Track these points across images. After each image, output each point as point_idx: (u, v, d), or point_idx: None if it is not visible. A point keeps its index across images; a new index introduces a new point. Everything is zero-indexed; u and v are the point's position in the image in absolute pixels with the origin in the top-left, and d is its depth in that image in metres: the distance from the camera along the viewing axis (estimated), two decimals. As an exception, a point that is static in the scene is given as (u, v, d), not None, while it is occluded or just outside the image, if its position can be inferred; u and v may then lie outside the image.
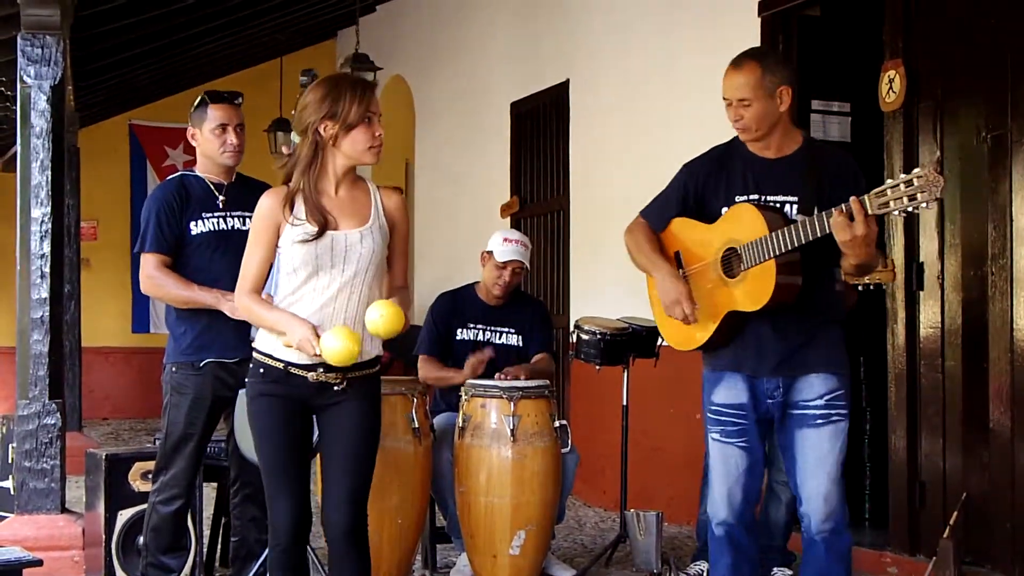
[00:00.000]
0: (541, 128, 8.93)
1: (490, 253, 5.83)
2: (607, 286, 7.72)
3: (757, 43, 6.41)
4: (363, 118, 3.74)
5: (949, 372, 5.47)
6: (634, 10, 7.65)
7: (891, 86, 5.63)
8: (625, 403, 5.96)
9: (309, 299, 3.77)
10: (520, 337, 5.87)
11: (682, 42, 7.18)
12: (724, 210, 4.02)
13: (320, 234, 3.73)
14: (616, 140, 7.85)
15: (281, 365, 3.79)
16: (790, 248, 3.78)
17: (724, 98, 4.03)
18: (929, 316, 5.54)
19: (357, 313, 3.78)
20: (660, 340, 5.82)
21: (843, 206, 3.69)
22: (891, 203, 3.60)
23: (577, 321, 6.00)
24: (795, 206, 3.95)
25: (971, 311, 5.38)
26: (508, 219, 9.16)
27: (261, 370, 3.83)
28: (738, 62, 4.04)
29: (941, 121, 5.50)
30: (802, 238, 3.76)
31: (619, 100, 7.82)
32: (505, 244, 5.83)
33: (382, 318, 3.68)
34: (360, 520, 3.85)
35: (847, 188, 3.90)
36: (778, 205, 3.95)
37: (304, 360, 3.76)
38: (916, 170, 3.57)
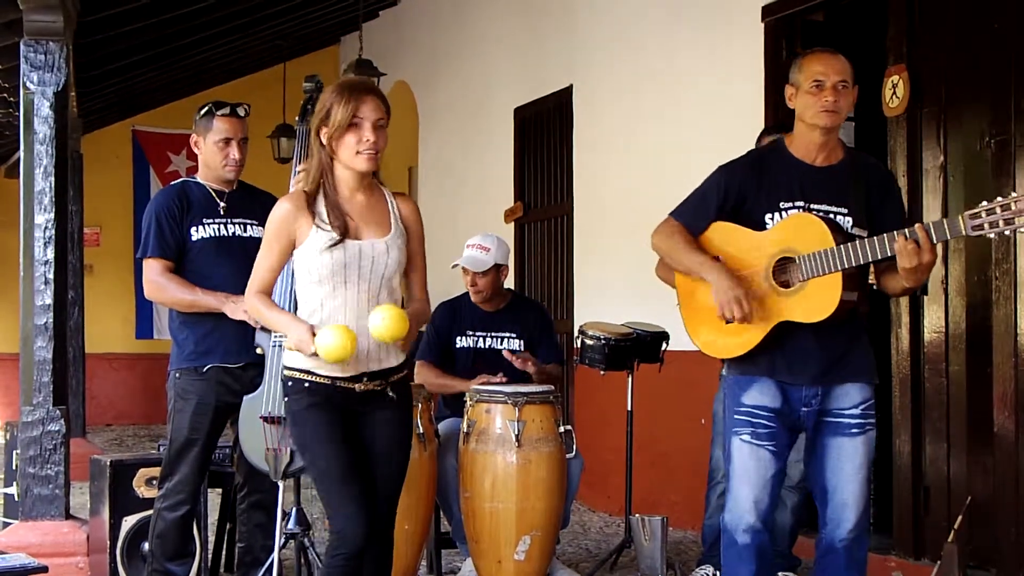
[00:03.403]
0: (545, 133, 8.93)
1: None
2: (611, 291, 7.72)
3: (761, 49, 6.43)
4: (349, 122, 3.72)
5: (953, 377, 5.47)
6: (638, 15, 7.66)
7: (895, 91, 5.64)
8: (630, 408, 5.95)
9: (340, 312, 3.75)
10: (522, 341, 5.85)
11: (686, 47, 7.18)
12: (767, 216, 3.94)
13: (342, 239, 3.72)
14: (620, 145, 7.85)
15: (328, 381, 3.78)
16: (856, 264, 3.74)
17: (816, 80, 3.89)
18: (933, 321, 5.54)
19: None
20: (665, 345, 5.82)
21: (906, 232, 3.66)
22: (986, 225, 3.55)
23: (581, 326, 5.99)
24: (847, 218, 3.90)
25: (975, 316, 5.37)
26: (512, 224, 9.17)
27: (306, 385, 3.79)
28: (828, 50, 3.98)
29: (945, 126, 5.50)
30: (869, 255, 3.71)
31: (623, 105, 7.83)
32: (466, 250, 5.84)
33: (384, 322, 3.67)
34: (389, 519, 3.89)
35: (891, 199, 3.95)
36: (831, 216, 3.89)
37: (349, 373, 3.77)
38: (1014, 193, 3.53)
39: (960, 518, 5.06)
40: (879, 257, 3.73)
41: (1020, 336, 5.15)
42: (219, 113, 4.84)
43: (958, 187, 5.41)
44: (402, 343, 3.82)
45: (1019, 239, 5.13)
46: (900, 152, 5.64)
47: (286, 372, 3.85)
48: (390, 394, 3.86)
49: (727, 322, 3.92)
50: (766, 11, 6.43)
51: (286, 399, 3.87)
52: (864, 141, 6.48)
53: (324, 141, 3.78)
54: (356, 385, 3.80)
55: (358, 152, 3.75)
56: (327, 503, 3.82)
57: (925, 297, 5.55)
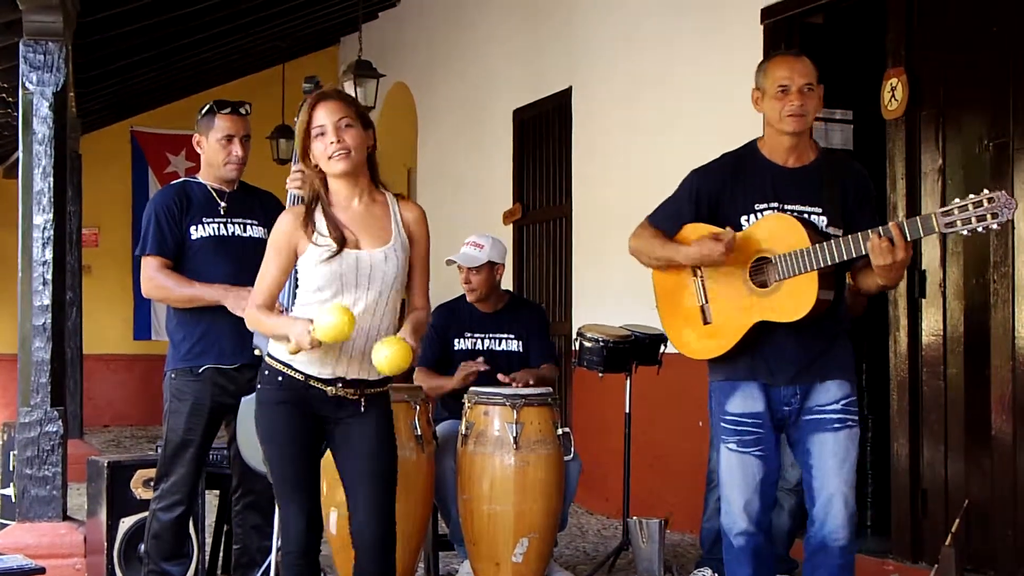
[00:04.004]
0: (544, 135, 8.93)
1: None
2: (610, 293, 7.72)
3: (760, 51, 6.42)
4: (306, 135, 3.77)
5: (951, 380, 5.46)
6: (637, 17, 7.66)
7: (893, 94, 5.63)
8: (628, 410, 5.95)
9: None
10: (520, 343, 5.85)
11: (685, 49, 7.18)
12: (743, 218, 3.97)
13: (340, 250, 3.73)
14: (619, 147, 7.85)
15: (302, 377, 3.79)
16: (831, 263, 3.76)
17: (781, 85, 3.92)
18: (931, 324, 5.54)
19: (379, 332, 3.79)
20: (663, 347, 5.82)
21: (880, 230, 3.68)
22: (958, 223, 3.57)
23: (580, 328, 5.99)
24: (822, 218, 3.92)
25: (973, 319, 5.37)
26: (511, 226, 9.17)
27: (279, 378, 3.82)
28: (792, 53, 4.03)
29: (943, 129, 5.50)
30: (843, 254, 3.74)
31: (622, 107, 7.82)
32: (461, 247, 5.84)
33: (386, 359, 3.67)
34: (390, 534, 3.85)
35: (867, 201, 3.98)
36: (806, 215, 3.92)
37: (325, 374, 3.77)
38: (986, 191, 3.56)
39: (958, 521, 5.06)
40: (854, 256, 3.75)
41: (1018, 339, 5.14)
42: (221, 111, 4.85)
43: (956, 190, 5.40)
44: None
45: (1018, 242, 5.14)
46: (899, 155, 5.64)
47: (266, 359, 3.87)
48: (362, 407, 3.83)
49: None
50: (765, 13, 6.43)
51: (258, 386, 3.88)
52: (863, 143, 6.48)
53: (309, 160, 3.82)
54: (329, 388, 3.79)
55: (329, 157, 3.76)
56: (277, 500, 3.96)
57: (923, 300, 5.55)
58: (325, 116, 3.75)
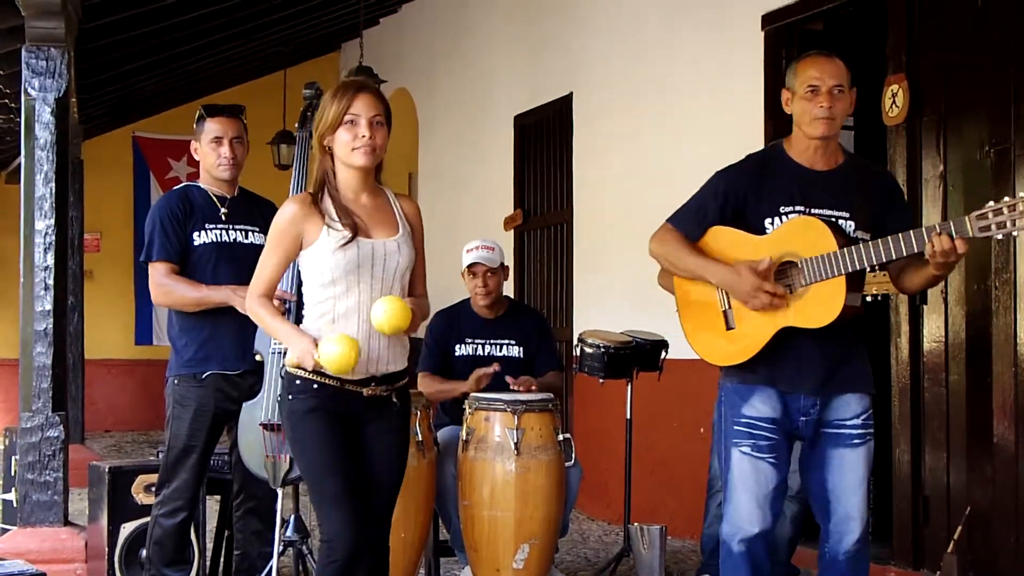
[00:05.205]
0: (545, 141, 8.94)
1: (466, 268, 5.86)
2: (611, 299, 7.72)
3: (760, 57, 6.43)
4: (340, 119, 3.72)
5: (953, 386, 5.46)
6: (638, 24, 7.67)
7: (894, 100, 5.64)
8: (629, 416, 5.94)
9: (354, 312, 3.73)
10: (521, 348, 5.84)
11: (686, 56, 7.19)
12: (767, 221, 3.88)
13: (353, 238, 3.70)
14: (620, 153, 7.86)
15: (336, 383, 3.74)
16: (860, 267, 3.69)
17: (811, 86, 3.84)
18: (933, 330, 5.54)
19: None
20: (664, 353, 5.82)
21: (937, 226, 3.62)
22: (993, 226, 3.54)
23: (581, 334, 5.99)
24: (849, 222, 3.85)
25: (974, 325, 5.37)
26: (511, 232, 9.17)
27: (315, 386, 3.75)
28: (823, 54, 3.94)
29: (944, 135, 5.50)
30: (873, 258, 3.66)
31: (623, 113, 7.83)
32: (468, 253, 5.85)
33: (386, 314, 3.64)
34: (385, 528, 3.87)
35: (895, 206, 3.92)
36: (833, 219, 3.83)
37: (358, 376, 3.74)
38: (1021, 193, 3.52)
39: (960, 528, 5.06)
40: (901, 255, 3.66)
41: (1020, 346, 5.14)
42: (209, 115, 4.88)
43: (958, 196, 5.41)
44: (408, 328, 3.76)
45: (1019, 248, 5.14)
46: (900, 161, 5.64)
47: (292, 371, 3.79)
48: (394, 401, 3.84)
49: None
50: (766, 19, 6.43)
51: (289, 398, 3.79)
52: (864, 150, 6.48)
53: (324, 144, 3.78)
54: (364, 389, 3.77)
55: (353, 148, 3.73)
56: (319, 510, 3.77)
57: (925, 307, 5.55)
58: (362, 108, 3.73)
